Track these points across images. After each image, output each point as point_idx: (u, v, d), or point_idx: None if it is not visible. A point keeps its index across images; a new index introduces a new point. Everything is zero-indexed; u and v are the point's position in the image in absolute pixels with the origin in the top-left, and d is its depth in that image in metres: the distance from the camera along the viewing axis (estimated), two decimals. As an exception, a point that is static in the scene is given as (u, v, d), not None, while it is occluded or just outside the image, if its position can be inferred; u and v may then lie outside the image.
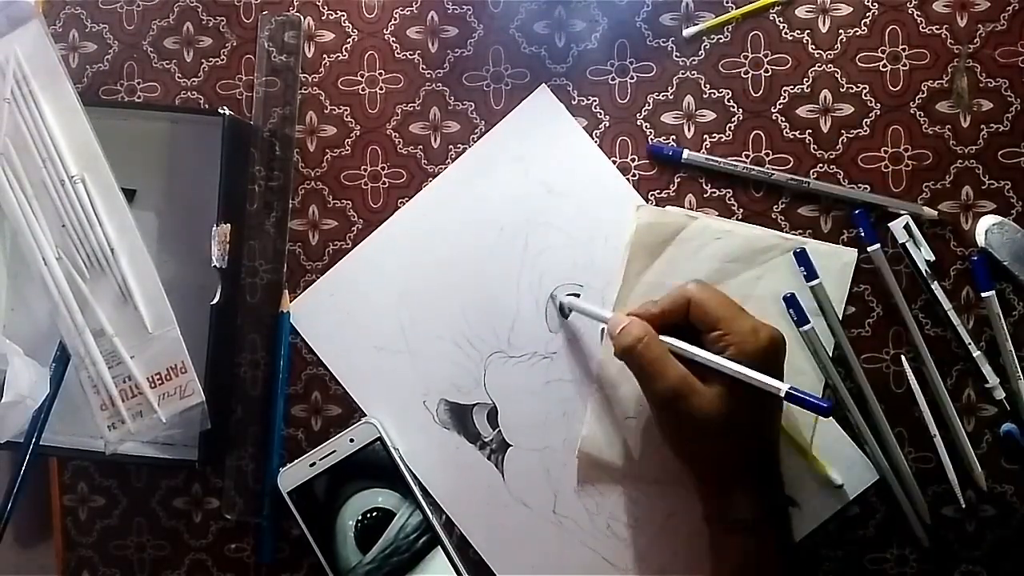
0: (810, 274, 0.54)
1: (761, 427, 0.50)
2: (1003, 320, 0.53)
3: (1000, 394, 0.54)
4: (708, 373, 0.48)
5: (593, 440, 0.56)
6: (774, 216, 0.56)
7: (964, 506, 0.54)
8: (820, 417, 0.51)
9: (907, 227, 0.54)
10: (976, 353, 0.53)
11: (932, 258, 0.54)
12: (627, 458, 0.56)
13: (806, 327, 0.54)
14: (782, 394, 0.45)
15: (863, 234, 0.54)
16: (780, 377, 0.48)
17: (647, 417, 0.55)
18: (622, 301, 0.56)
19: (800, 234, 0.56)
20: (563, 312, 0.57)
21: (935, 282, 0.53)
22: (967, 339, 0.53)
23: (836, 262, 0.55)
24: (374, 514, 0.54)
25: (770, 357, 0.48)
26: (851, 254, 0.55)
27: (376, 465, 0.51)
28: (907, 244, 0.54)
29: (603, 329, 0.55)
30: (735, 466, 0.49)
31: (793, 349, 0.53)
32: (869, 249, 0.54)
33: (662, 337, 0.50)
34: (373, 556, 0.50)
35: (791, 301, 0.54)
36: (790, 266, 0.55)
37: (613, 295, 0.56)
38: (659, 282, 0.55)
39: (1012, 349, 0.53)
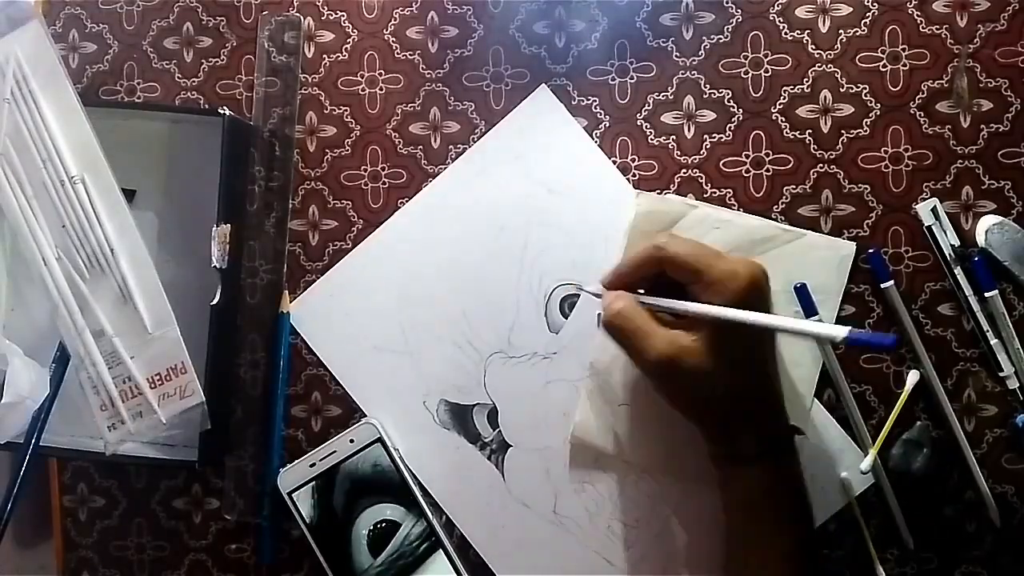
0: (808, 311, 0.54)
1: (756, 363, 0.49)
2: (1008, 318, 0.53)
3: (1014, 383, 0.53)
4: (693, 321, 0.48)
5: (586, 426, 0.56)
6: (774, 217, 0.56)
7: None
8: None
9: (934, 210, 0.54)
10: (994, 340, 0.53)
11: (957, 243, 0.54)
12: (619, 445, 0.56)
13: (813, 319, 0.54)
14: (840, 338, 0.41)
15: (877, 272, 0.54)
16: (767, 310, 0.48)
17: (640, 404, 0.55)
18: (626, 259, 0.55)
19: (800, 234, 0.56)
20: (563, 312, 0.57)
21: (958, 267, 0.53)
22: (985, 326, 0.53)
23: (834, 255, 0.55)
24: (383, 524, 0.56)
25: (754, 295, 0.47)
26: (849, 247, 0.55)
27: (383, 481, 0.57)
28: (933, 227, 0.54)
29: (599, 313, 0.55)
30: (735, 407, 0.49)
31: (793, 340, 0.54)
32: (883, 286, 0.54)
33: (645, 299, 0.50)
34: (383, 560, 0.56)
35: (801, 291, 0.54)
36: (789, 257, 0.55)
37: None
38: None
39: (1020, 347, 0.53)
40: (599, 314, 0.55)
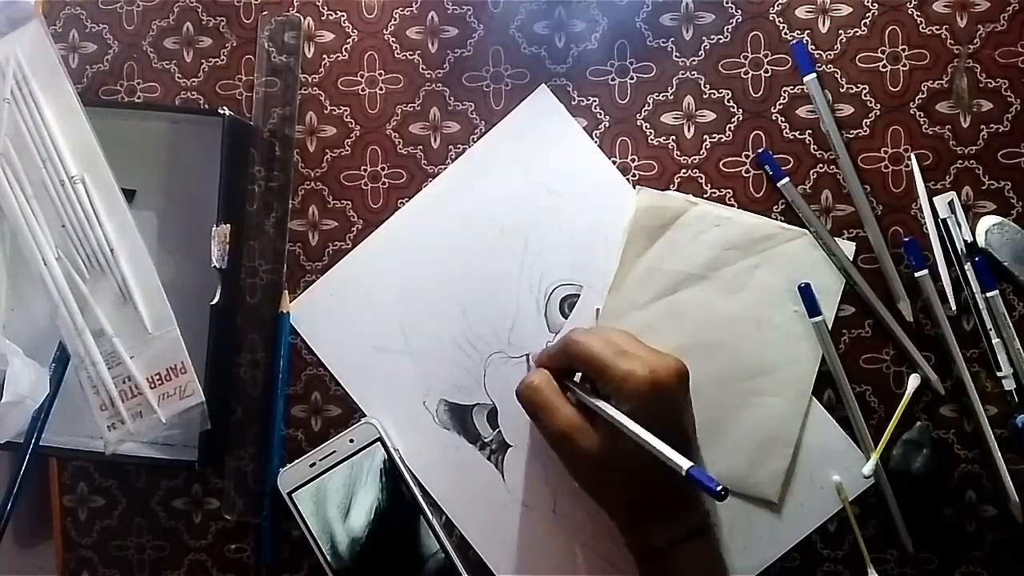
0: (812, 310, 0.54)
1: (657, 458, 0.45)
2: (1008, 318, 0.53)
3: (1010, 384, 0.53)
4: (598, 414, 0.49)
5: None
6: (774, 217, 0.56)
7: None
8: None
9: (951, 203, 0.54)
10: (996, 340, 0.53)
11: (971, 239, 0.54)
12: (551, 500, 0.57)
13: (816, 319, 0.54)
14: (682, 470, 0.43)
15: (913, 261, 0.54)
16: (676, 413, 0.49)
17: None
18: (618, 284, 0.56)
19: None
20: (563, 312, 0.57)
21: (968, 262, 0.53)
22: (989, 323, 0.53)
23: (836, 252, 0.55)
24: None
25: (654, 401, 0.47)
26: (849, 247, 0.55)
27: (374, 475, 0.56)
28: (948, 220, 0.54)
29: (597, 308, 0.56)
30: (638, 498, 0.49)
31: (797, 334, 0.54)
32: (916, 275, 0.54)
33: (568, 383, 0.52)
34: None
35: (805, 291, 0.54)
36: (788, 255, 0.55)
37: (611, 279, 0.56)
38: (656, 267, 0.55)
39: (1020, 347, 0.53)
40: (597, 309, 0.55)
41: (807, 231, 0.55)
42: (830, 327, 0.55)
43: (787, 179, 0.55)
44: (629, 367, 0.48)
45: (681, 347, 0.52)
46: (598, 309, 0.56)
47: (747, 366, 0.55)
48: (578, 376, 0.53)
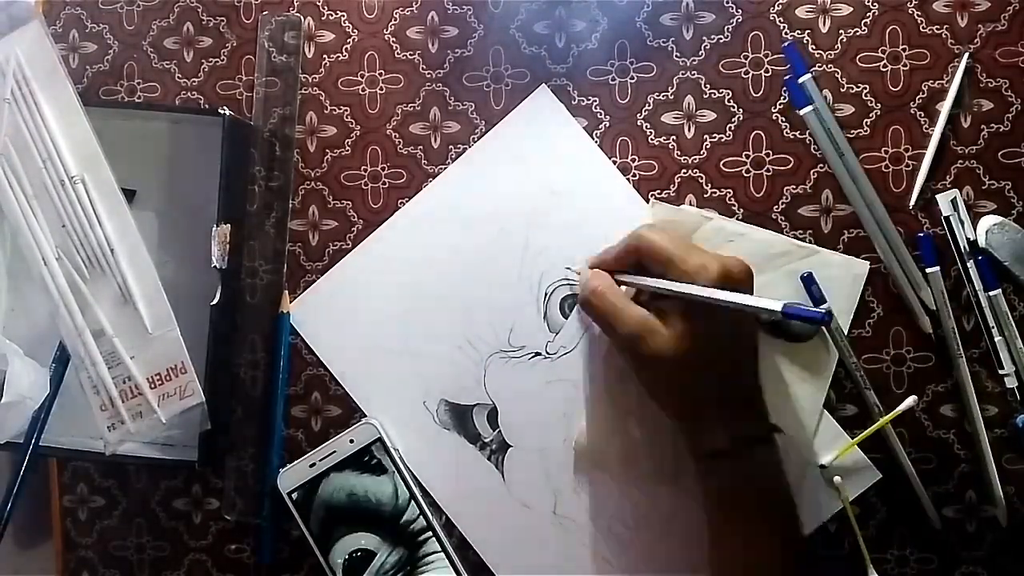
0: (817, 300, 0.54)
1: (727, 355, 0.49)
2: (1010, 317, 0.53)
3: (1013, 381, 0.53)
4: (668, 312, 0.48)
5: (590, 434, 0.56)
6: (774, 216, 0.56)
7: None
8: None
9: (954, 201, 0.54)
10: (998, 338, 0.53)
11: (973, 236, 0.53)
12: (624, 454, 0.56)
13: (823, 307, 0.54)
14: (778, 310, 0.43)
15: (925, 257, 0.54)
16: (744, 316, 0.48)
17: (647, 413, 0.55)
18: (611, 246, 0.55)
19: (800, 235, 0.55)
20: (563, 312, 0.57)
21: (971, 260, 0.53)
22: (991, 322, 0.53)
23: (847, 274, 0.55)
24: (358, 554, 0.57)
25: (728, 290, 0.47)
26: (863, 266, 0.55)
27: (361, 510, 0.57)
28: (951, 217, 0.54)
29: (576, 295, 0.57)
30: (706, 398, 0.49)
31: (813, 347, 0.54)
32: (928, 270, 0.54)
33: (622, 277, 0.51)
34: None
35: (808, 280, 0.54)
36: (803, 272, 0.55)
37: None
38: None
39: (1022, 347, 0.53)
40: (566, 268, 0.56)
41: (820, 249, 0.55)
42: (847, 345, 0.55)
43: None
44: (701, 260, 0.48)
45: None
46: (568, 268, 0.56)
47: (762, 378, 0.54)
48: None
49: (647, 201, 0.57)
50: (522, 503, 0.57)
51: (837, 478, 0.54)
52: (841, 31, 0.55)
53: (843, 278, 0.55)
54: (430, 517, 0.56)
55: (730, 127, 0.56)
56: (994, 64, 0.54)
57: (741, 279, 0.48)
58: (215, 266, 0.56)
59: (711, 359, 0.48)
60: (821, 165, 0.56)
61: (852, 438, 0.55)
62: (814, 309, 0.42)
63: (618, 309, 0.50)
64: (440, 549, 0.56)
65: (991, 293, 0.53)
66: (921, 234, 0.54)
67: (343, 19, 0.59)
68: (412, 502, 0.56)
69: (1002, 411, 0.54)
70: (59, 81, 0.55)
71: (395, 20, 0.59)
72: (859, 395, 0.55)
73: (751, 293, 0.49)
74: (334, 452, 0.57)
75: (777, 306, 0.43)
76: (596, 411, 0.56)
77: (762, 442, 0.50)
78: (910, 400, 0.54)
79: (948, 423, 0.55)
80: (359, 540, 0.56)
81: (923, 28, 0.55)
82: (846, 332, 0.55)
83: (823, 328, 0.54)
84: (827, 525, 0.55)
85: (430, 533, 0.56)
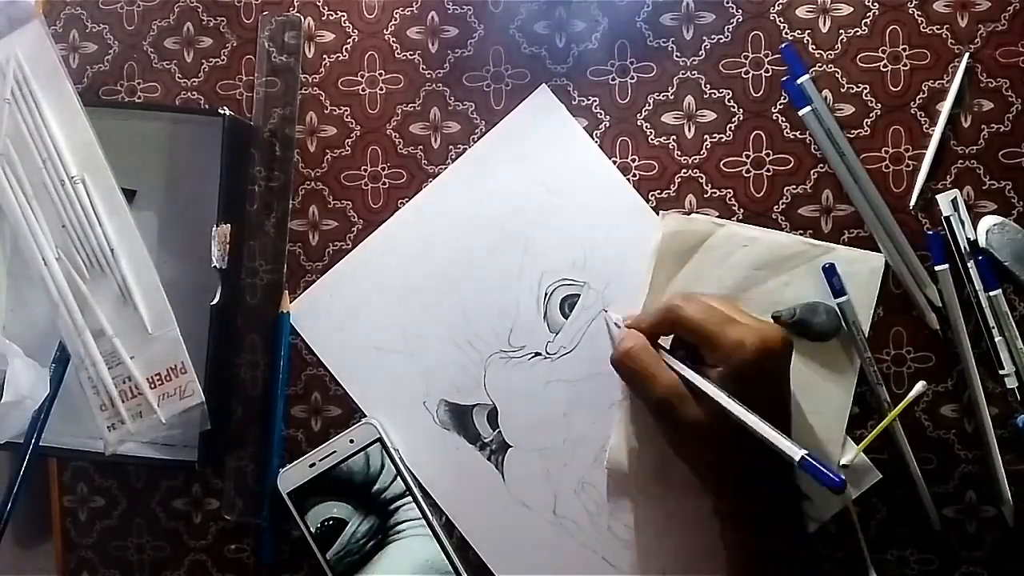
0: (838, 291, 0.54)
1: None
2: (1011, 317, 0.53)
3: (1013, 381, 0.53)
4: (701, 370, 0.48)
5: (620, 452, 0.56)
6: (774, 216, 0.56)
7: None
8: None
9: (954, 201, 0.54)
10: (998, 338, 0.53)
11: (974, 236, 0.53)
12: (656, 468, 0.55)
13: (841, 299, 0.54)
14: (796, 460, 0.43)
15: (934, 255, 0.54)
16: (780, 383, 0.48)
17: None
18: (648, 311, 0.55)
19: (802, 234, 0.55)
20: (563, 312, 0.57)
21: (971, 260, 0.53)
22: (991, 322, 0.53)
23: (863, 268, 0.54)
24: (330, 522, 0.57)
25: (765, 367, 0.47)
26: (879, 259, 0.54)
27: (336, 479, 0.57)
28: (951, 217, 0.53)
29: (604, 310, 0.56)
30: (735, 469, 0.49)
31: (832, 348, 0.54)
32: (937, 268, 0.54)
33: (664, 354, 0.50)
34: (332, 555, 0.57)
35: (829, 271, 0.54)
36: (818, 272, 0.54)
37: (613, 294, 0.56)
38: (686, 290, 0.55)
39: (1023, 347, 0.53)
40: (603, 310, 0.56)
41: (835, 246, 0.55)
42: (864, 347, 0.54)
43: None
44: (738, 336, 0.47)
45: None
46: (605, 310, 0.56)
47: None
48: (666, 340, 0.52)
49: (647, 201, 0.57)
50: (522, 503, 0.57)
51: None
52: (841, 31, 0.55)
53: (860, 273, 0.55)
54: (430, 517, 0.56)
55: (730, 127, 0.56)
56: (994, 64, 0.54)
57: (780, 352, 0.47)
58: (215, 266, 0.56)
59: (741, 432, 0.46)
60: (821, 165, 0.56)
61: (854, 437, 0.54)
62: (832, 473, 0.41)
63: (651, 374, 0.49)
64: (440, 549, 0.56)
65: (991, 293, 0.53)
66: (931, 232, 0.54)
67: (343, 19, 0.59)
68: (383, 472, 0.56)
69: (1002, 411, 0.54)
70: (59, 81, 0.55)
71: (395, 20, 0.59)
72: (862, 394, 0.55)
73: (789, 363, 0.49)
74: (334, 452, 0.57)
75: (796, 456, 0.43)
76: (625, 427, 0.56)
77: (789, 516, 0.49)
78: (919, 386, 0.54)
79: (948, 423, 0.55)
80: (331, 509, 0.57)
81: (923, 28, 0.55)
82: (868, 327, 0.54)
83: (844, 325, 0.54)
84: (827, 525, 0.55)
85: (402, 501, 0.56)
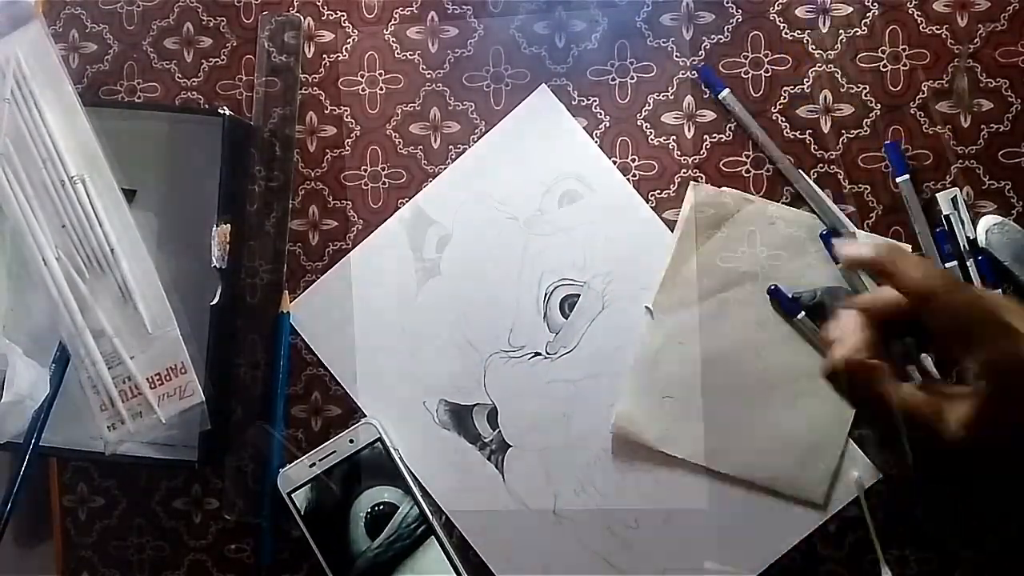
0: (835, 258, 0.54)
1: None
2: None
3: None
4: (950, 393, 0.39)
5: (629, 417, 0.56)
6: (774, 216, 0.56)
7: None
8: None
9: (954, 200, 0.54)
10: None
11: (973, 235, 0.53)
12: (661, 438, 0.55)
13: (839, 266, 0.54)
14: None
15: (940, 253, 0.54)
16: None
17: (684, 397, 0.54)
18: (670, 280, 0.55)
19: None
20: (563, 311, 0.57)
21: (971, 260, 0.53)
22: None
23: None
24: (381, 507, 0.57)
25: None
26: (905, 248, 0.54)
27: (380, 466, 0.57)
28: (951, 216, 0.53)
29: (647, 306, 0.55)
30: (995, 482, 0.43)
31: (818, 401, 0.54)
32: (946, 266, 0.54)
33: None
34: (380, 542, 0.57)
35: (826, 238, 0.54)
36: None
37: (613, 294, 0.56)
38: (709, 264, 0.55)
39: None
40: (647, 307, 0.55)
41: (859, 231, 0.54)
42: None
43: (727, 90, 0.55)
44: (1013, 329, 0.36)
45: (730, 345, 0.52)
46: (647, 307, 0.55)
47: (796, 366, 0.54)
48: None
49: (647, 201, 0.57)
50: (522, 503, 0.57)
51: (855, 473, 0.54)
52: (841, 31, 0.55)
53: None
54: (430, 517, 0.56)
55: (730, 127, 0.56)
56: (994, 64, 0.54)
57: None
58: (215, 266, 0.56)
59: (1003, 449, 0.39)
60: (821, 165, 0.56)
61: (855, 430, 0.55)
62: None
63: (886, 391, 0.40)
64: (440, 549, 0.56)
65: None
66: (938, 229, 0.54)
67: (343, 19, 0.59)
68: (412, 502, 0.56)
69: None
70: (59, 81, 0.55)
71: (395, 20, 0.59)
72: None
73: None
74: (334, 452, 0.57)
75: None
76: (634, 393, 0.55)
77: None
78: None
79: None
80: (382, 494, 0.57)
81: (923, 28, 0.55)
82: None
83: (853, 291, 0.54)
84: (827, 525, 0.55)
85: (427, 523, 0.56)
